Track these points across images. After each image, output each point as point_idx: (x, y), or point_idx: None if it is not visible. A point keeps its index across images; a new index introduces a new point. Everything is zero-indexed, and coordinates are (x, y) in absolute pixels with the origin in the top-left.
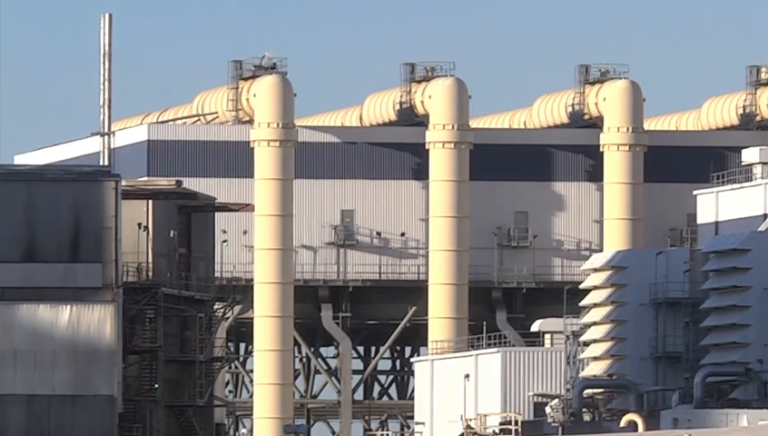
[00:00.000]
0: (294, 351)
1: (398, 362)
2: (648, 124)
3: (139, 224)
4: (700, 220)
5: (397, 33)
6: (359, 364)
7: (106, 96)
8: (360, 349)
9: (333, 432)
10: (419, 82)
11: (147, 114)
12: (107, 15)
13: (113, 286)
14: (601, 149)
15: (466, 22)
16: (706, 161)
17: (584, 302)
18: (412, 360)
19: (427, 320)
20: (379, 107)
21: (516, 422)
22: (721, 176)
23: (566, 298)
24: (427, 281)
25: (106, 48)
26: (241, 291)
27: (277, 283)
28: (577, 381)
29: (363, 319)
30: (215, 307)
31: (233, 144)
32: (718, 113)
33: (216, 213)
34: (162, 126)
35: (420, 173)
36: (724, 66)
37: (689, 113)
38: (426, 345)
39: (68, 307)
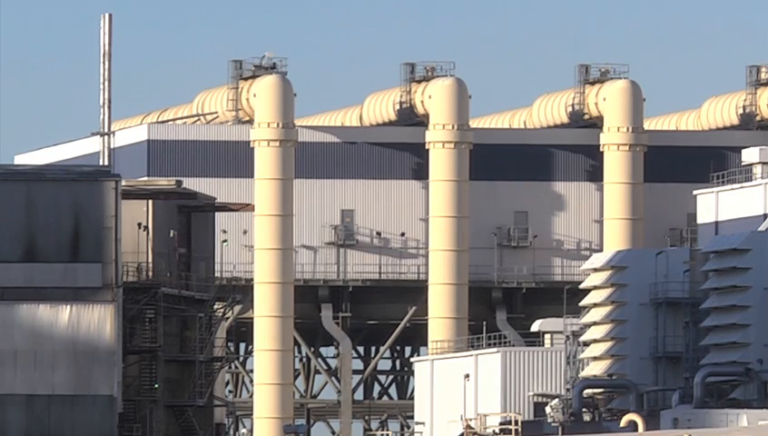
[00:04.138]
0: (294, 351)
1: (398, 362)
2: (648, 124)
3: (139, 224)
4: (700, 220)
5: (397, 33)
6: (359, 364)
7: (106, 96)
8: (360, 349)
9: (333, 432)
10: (419, 82)
11: (147, 114)
12: (107, 15)
13: (113, 286)
14: (601, 149)
15: (466, 22)
16: (706, 161)
17: (584, 302)
18: (412, 360)
19: (427, 320)
20: (379, 107)
21: (517, 422)
22: (721, 176)
23: (566, 298)
24: (427, 281)
25: (106, 48)
26: (241, 291)
27: (277, 283)
28: (577, 381)
29: (363, 319)
30: (215, 307)
31: (233, 144)
32: (718, 113)
33: (216, 213)
34: (162, 126)
35: (420, 173)
36: (724, 66)
37: (689, 113)
38: (426, 345)
39: (68, 307)
